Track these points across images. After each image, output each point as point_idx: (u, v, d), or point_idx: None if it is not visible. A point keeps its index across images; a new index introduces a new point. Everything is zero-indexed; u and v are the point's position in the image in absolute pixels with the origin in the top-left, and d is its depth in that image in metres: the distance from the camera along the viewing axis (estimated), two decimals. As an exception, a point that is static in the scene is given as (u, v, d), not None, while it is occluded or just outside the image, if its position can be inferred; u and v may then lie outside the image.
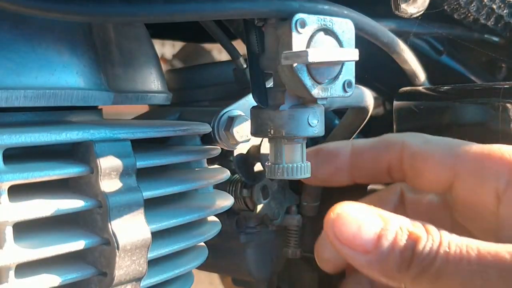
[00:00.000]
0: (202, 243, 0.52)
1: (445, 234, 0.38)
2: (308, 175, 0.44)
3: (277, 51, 0.41)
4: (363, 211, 0.40)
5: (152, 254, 0.43)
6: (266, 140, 0.59)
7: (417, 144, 0.46)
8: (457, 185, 0.44)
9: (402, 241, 0.38)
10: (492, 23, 0.61)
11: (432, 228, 0.39)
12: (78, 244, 0.39)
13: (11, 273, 0.36)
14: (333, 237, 0.40)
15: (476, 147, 0.44)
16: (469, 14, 0.59)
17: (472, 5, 0.58)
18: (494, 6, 0.59)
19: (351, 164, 0.49)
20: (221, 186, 0.58)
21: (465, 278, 0.37)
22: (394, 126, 0.60)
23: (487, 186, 0.42)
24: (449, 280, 0.37)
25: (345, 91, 0.42)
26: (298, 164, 0.43)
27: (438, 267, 0.37)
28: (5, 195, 0.36)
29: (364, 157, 0.48)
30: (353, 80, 0.42)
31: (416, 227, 0.39)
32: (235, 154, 0.58)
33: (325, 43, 0.41)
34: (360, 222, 0.39)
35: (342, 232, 0.39)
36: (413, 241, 0.38)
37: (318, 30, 0.40)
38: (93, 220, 0.41)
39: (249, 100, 0.56)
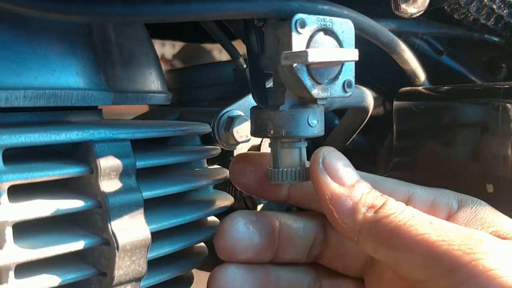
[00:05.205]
0: (202, 243, 0.52)
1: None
2: (308, 179, 0.44)
3: (277, 51, 0.41)
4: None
5: (152, 254, 0.43)
6: (266, 140, 0.59)
7: None
8: None
9: (377, 192, 0.41)
10: (492, 23, 0.61)
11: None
12: (78, 244, 0.39)
13: (11, 273, 0.36)
14: (318, 161, 0.42)
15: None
16: (469, 14, 0.59)
17: (472, 5, 0.58)
18: (494, 6, 0.59)
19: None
20: (221, 186, 0.58)
21: (425, 229, 0.37)
22: (394, 126, 0.60)
23: (440, 210, 0.44)
24: (410, 231, 0.38)
25: (345, 91, 0.42)
26: (298, 168, 0.43)
27: (402, 218, 0.38)
28: (5, 195, 0.36)
29: None
30: (353, 80, 0.42)
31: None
32: (235, 154, 0.58)
33: (325, 43, 0.41)
34: (348, 164, 0.42)
35: (332, 159, 0.42)
36: (385, 198, 0.41)
37: (318, 30, 0.40)
38: (93, 220, 0.41)
39: (249, 100, 0.56)
